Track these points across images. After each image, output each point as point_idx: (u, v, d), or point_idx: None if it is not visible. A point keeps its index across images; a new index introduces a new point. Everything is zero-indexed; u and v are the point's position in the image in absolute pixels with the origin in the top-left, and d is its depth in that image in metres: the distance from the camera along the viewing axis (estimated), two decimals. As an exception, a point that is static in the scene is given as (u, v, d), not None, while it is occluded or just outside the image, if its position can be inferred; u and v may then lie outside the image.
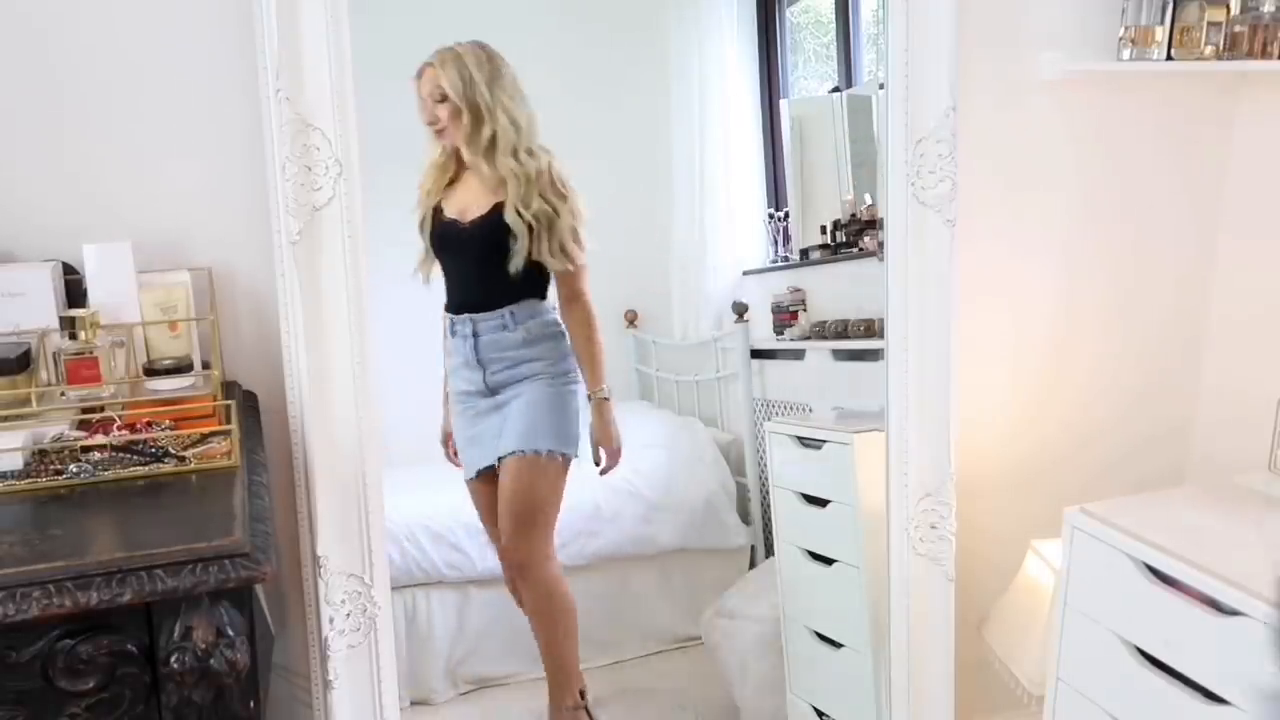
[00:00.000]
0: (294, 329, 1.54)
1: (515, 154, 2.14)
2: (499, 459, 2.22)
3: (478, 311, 2.22)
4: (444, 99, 2.15)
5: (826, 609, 2.16)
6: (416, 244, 2.30)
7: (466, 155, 2.18)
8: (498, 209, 2.15)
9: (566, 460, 2.25)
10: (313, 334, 1.53)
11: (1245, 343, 2.11)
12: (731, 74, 2.87)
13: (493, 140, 2.13)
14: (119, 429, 1.30)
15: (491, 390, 2.25)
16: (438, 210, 2.23)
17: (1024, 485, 2.07)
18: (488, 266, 2.18)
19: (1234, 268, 2.13)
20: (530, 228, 2.13)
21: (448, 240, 2.22)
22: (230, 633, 1.01)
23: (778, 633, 2.28)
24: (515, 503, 2.22)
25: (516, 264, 2.14)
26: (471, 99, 2.13)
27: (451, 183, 2.24)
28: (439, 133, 2.20)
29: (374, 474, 1.58)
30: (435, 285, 2.48)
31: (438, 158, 2.24)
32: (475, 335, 2.22)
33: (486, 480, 2.28)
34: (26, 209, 1.53)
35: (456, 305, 2.25)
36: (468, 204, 2.21)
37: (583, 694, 2.32)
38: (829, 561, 2.12)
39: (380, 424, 1.59)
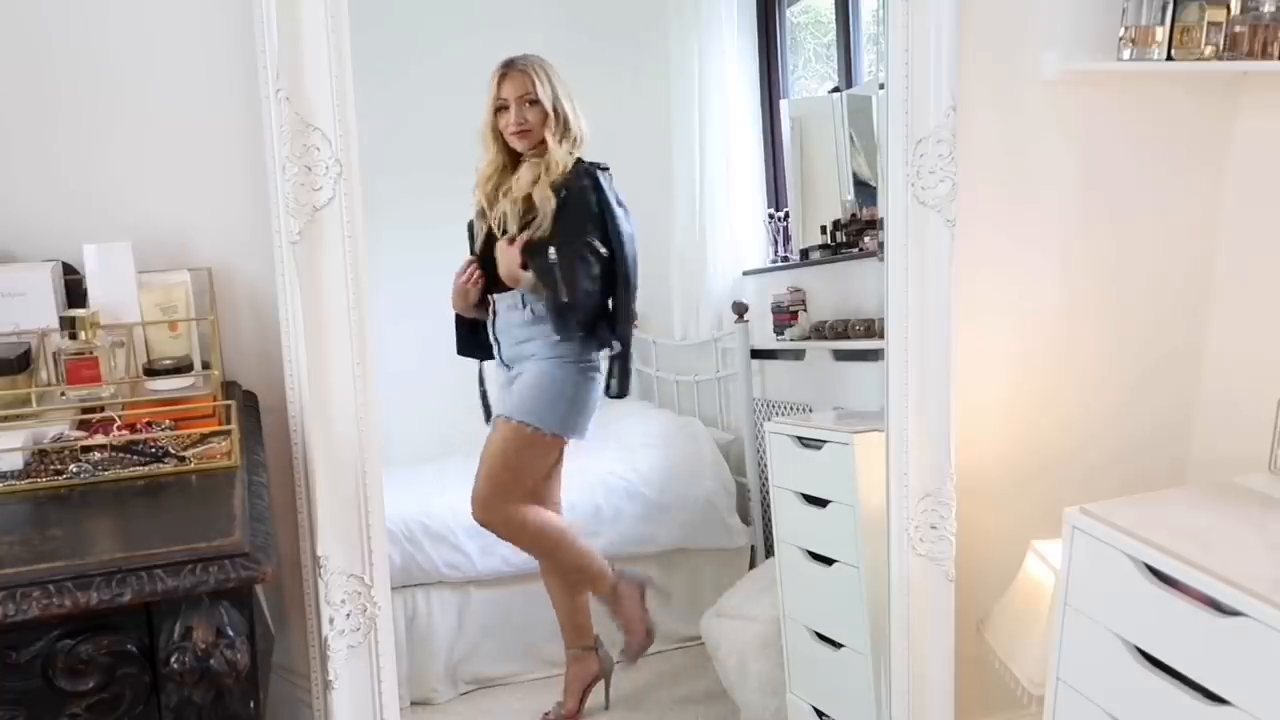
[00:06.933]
0: (294, 329, 1.53)
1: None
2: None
3: None
4: (535, 102, 2.27)
5: (826, 609, 2.16)
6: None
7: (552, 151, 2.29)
8: None
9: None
10: (313, 334, 1.53)
11: (1245, 343, 2.11)
12: (731, 74, 2.87)
13: (575, 142, 2.31)
14: (119, 429, 1.30)
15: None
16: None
17: (1024, 485, 2.07)
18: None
19: (1234, 268, 2.13)
20: None
21: None
22: (230, 633, 1.00)
23: (778, 633, 2.28)
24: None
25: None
26: (559, 105, 2.28)
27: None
28: (522, 135, 2.29)
29: (374, 474, 1.58)
30: (433, 285, 2.49)
31: (496, 161, 2.33)
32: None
33: None
34: (26, 209, 1.53)
35: None
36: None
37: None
38: (829, 561, 2.12)
39: (380, 424, 1.59)
